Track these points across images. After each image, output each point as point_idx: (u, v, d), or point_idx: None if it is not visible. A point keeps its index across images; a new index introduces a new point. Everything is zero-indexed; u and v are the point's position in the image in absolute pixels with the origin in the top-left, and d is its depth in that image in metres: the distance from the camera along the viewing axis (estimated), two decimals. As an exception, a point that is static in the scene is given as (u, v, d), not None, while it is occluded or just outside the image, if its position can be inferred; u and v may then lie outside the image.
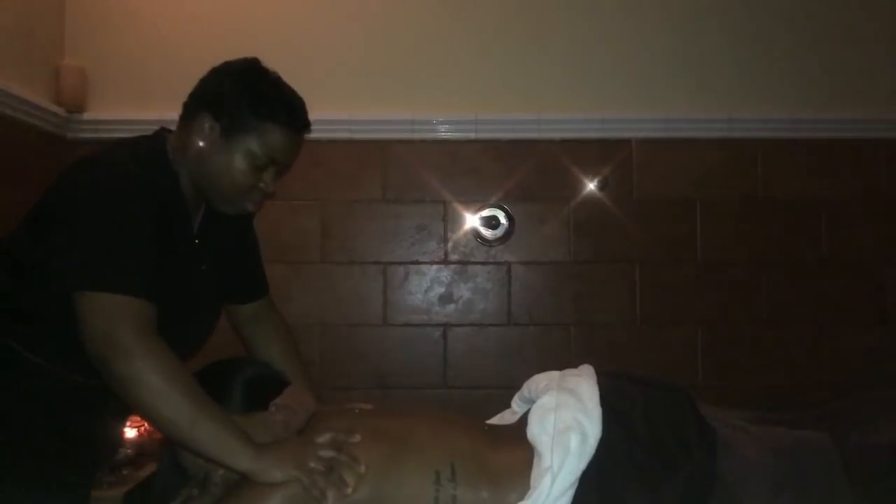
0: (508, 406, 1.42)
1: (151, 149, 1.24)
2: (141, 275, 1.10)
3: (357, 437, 1.15)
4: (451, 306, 2.12)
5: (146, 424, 2.00)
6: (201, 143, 1.22)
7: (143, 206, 1.13)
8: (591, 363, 1.31)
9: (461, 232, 2.13)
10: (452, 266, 2.13)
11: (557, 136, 2.11)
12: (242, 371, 1.29)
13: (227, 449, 1.08)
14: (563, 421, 1.12)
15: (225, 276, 1.36)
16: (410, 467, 1.12)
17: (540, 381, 1.31)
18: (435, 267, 2.13)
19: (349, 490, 1.08)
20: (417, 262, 2.13)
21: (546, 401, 1.18)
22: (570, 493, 1.07)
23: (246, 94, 1.22)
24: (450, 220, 2.12)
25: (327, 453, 1.12)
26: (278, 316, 1.53)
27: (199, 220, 1.31)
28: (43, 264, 1.14)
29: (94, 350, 1.07)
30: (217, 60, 1.28)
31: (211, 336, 1.35)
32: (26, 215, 1.21)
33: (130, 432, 1.95)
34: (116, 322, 1.06)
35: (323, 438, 1.15)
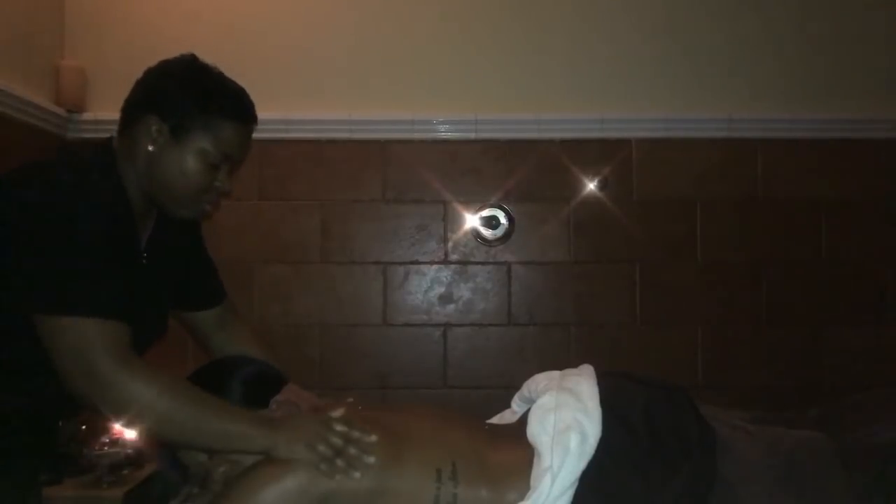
0: (508, 406, 1.42)
1: (99, 160, 1.19)
2: (106, 293, 1.06)
3: (373, 437, 1.16)
4: (451, 306, 2.12)
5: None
6: (150, 148, 1.17)
7: (99, 221, 1.09)
8: (591, 363, 1.31)
9: (461, 232, 2.13)
10: (452, 266, 2.13)
11: (557, 136, 2.11)
12: (241, 370, 1.29)
13: (239, 439, 1.09)
14: (563, 421, 1.12)
15: (177, 286, 1.34)
16: (413, 464, 1.12)
17: (540, 381, 1.31)
18: (435, 267, 2.13)
19: (357, 475, 1.09)
20: (417, 262, 2.13)
21: (546, 401, 1.18)
22: (569, 493, 1.07)
23: (191, 92, 1.18)
24: (450, 220, 2.12)
25: (341, 428, 1.12)
26: (242, 320, 1.51)
27: (147, 234, 1.26)
28: None
29: (73, 381, 1.04)
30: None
31: (156, 344, 1.32)
32: None
33: (130, 432, 1.95)
34: (89, 350, 1.02)
35: (336, 414, 1.16)
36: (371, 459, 1.11)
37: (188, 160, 1.18)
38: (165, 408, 1.05)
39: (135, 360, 1.06)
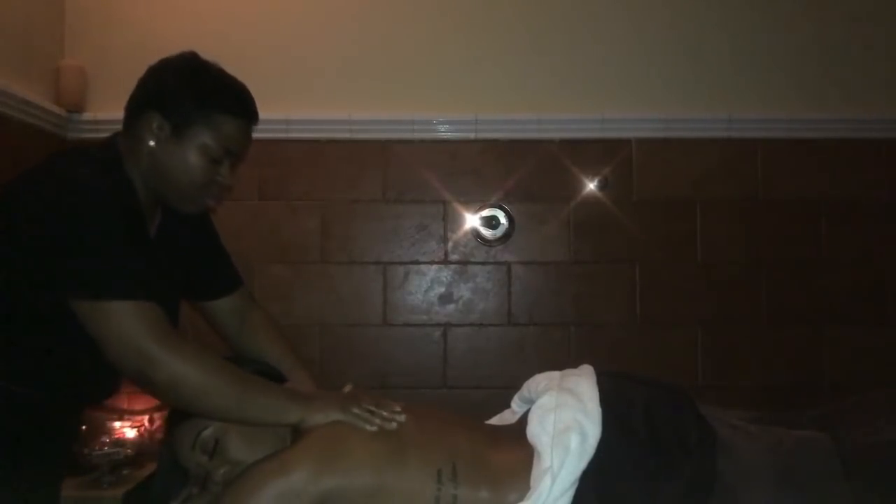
0: (508, 406, 1.42)
1: (105, 157, 1.21)
2: (141, 278, 1.11)
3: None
4: (451, 306, 2.12)
5: (146, 424, 2.01)
6: (152, 143, 1.20)
7: (114, 213, 1.12)
8: (591, 363, 1.31)
9: (461, 232, 2.13)
10: (452, 266, 2.13)
11: (557, 136, 2.11)
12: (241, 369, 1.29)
13: (279, 411, 1.15)
14: (563, 421, 1.12)
15: (188, 274, 1.36)
16: (413, 464, 1.12)
17: (540, 381, 1.31)
18: (435, 267, 2.13)
19: (394, 424, 1.15)
20: (417, 262, 2.13)
21: (546, 401, 1.18)
22: (569, 494, 1.07)
23: (192, 88, 1.20)
24: (450, 220, 2.12)
25: (368, 402, 1.18)
26: (261, 308, 1.52)
27: (156, 223, 1.29)
28: (8, 280, 1.12)
29: (121, 364, 1.09)
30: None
31: None
32: None
33: (130, 432, 1.95)
34: (135, 333, 1.07)
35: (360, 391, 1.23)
36: (402, 418, 1.17)
37: (190, 155, 1.20)
38: (211, 384, 1.11)
39: (177, 338, 1.12)
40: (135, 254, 1.13)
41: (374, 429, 1.14)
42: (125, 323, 1.08)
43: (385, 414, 1.16)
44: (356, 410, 1.16)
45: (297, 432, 1.19)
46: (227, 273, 1.49)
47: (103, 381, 1.27)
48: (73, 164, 1.17)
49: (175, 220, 1.31)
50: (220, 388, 1.11)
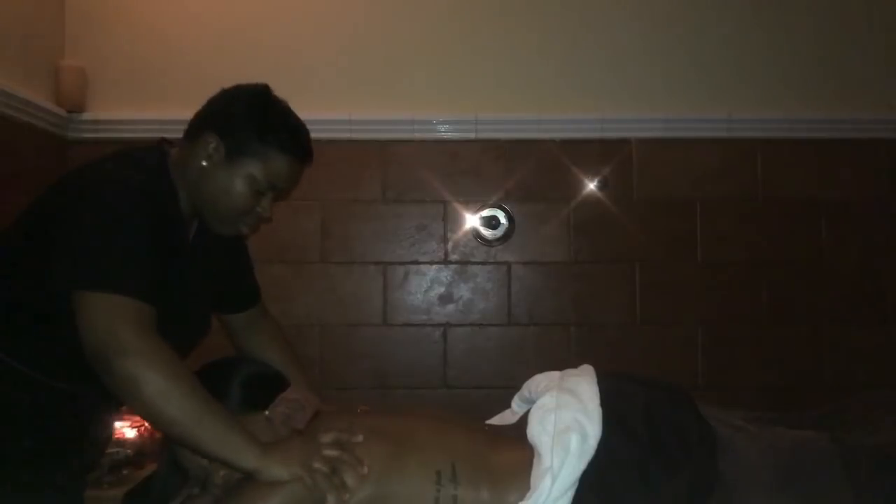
0: (508, 406, 1.42)
1: (153, 161, 1.24)
2: (142, 277, 1.10)
3: (360, 437, 1.15)
4: (451, 306, 2.12)
5: (146, 424, 2.00)
6: (204, 163, 1.22)
7: (145, 214, 1.14)
8: (591, 363, 1.31)
9: (461, 232, 2.13)
10: (452, 266, 2.13)
11: (557, 136, 2.11)
12: (242, 370, 1.29)
13: (232, 448, 1.08)
14: (563, 421, 1.12)
15: (216, 286, 1.37)
16: (412, 467, 1.12)
17: (540, 381, 1.31)
18: (435, 267, 2.13)
19: (347, 496, 1.08)
20: (417, 262, 2.13)
21: (546, 401, 1.18)
22: (570, 494, 1.07)
23: (255, 119, 1.23)
24: (450, 220, 2.12)
25: (331, 453, 1.12)
26: (272, 321, 1.54)
27: (193, 233, 1.31)
28: (36, 268, 1.14)
29: (93, 350, 1.07)
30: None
31: (200, 344, 1.34)
32: (18, 218, 1.21)
33: (130, 432, 1.95)
34: (117, 322, 1.06)
35: (327, 438, 1.15)
36: (364, 470, 1.10)
37: (236, 183, 1.22)
38: (175, 393, 1.06)
39: (157, 339, 1.08)
40: (145, 252, 1.12)
41: (332, 500, 1.07)
42: (105, 310, 1.06)
43: (342, 480, 1.10)
44: (317, 465, 1.09)
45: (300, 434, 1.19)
46: (252, 289, 1.51)
47: None
48: (122, 164, 1.20)
49: (213, 233, 1.33)
50: (181, 401, 1.05)
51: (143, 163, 1.22)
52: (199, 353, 1.32)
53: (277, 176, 1.24)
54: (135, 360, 1.05)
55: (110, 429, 1.44)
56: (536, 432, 1.14)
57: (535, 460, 1.11)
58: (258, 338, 1.49)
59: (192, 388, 1.08)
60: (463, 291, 2.13)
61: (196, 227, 1.32)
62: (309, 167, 1.31)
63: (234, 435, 1.09)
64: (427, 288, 2.13)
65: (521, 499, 1.08)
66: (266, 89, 1.28)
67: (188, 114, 1.29)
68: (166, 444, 1.27)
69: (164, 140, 1.30)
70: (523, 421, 1.22)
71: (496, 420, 1.42)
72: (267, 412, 1.23)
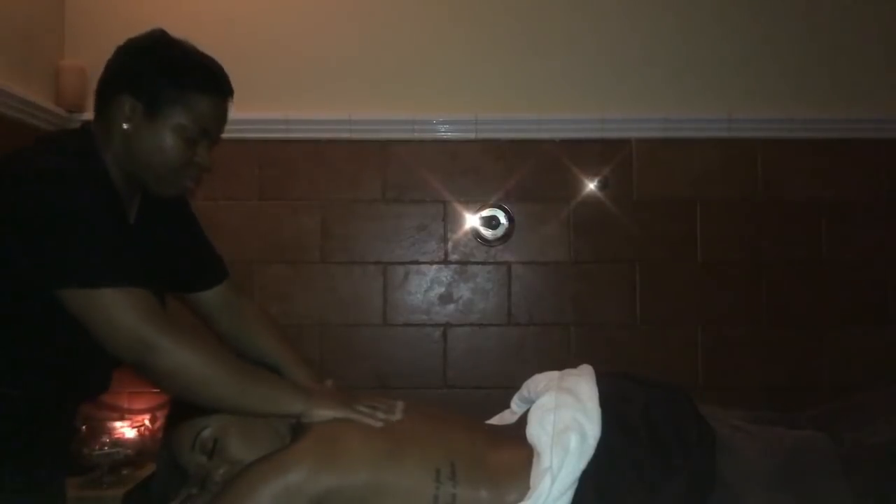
0: (508, 406, 1.42)
1: (76, 144, 1.18)
2: (130, 264, 1.09)
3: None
4: (451, 306, 2.12)
5: (146, 424, 2.01)
6: (125, 126, 1.16)
7: (93, 201, 1.09)
8: (590, 363, 1.31)
9: (461, 232, 2.13)
10: (452, 266, 2.13)
11: (557, 136, 2.11)
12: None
13: (280, 402, 1.15)
14: (563, 421, 1.12)
15: (169, 265, 1.32)
16: (411, 464, 1.11)
17: (539, 381, 1.31)
18: (435, 267, 2.13)
19: (399, 415, 1.18)
20: (417, 262, 2.13)
21: (545, 401, 1.18)
22: (569, 494, 1.07)
23: (163, 68, 1.16)
24: (450, 220, 2.12)
25: (367, 400, 1.20)
26: (252, 302, 1.49)
27: (134, 213, 1.26)
28: None
29: (126, 357, 1.08)
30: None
31: None
32: None
33: (130, 432, 1.95)
34: (133, 319, 1.06)
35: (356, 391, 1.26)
36: (400, 415, 1.19)
37: (165, 137, 1.16)
38: (213, 372, 1.10)
39: (176, 325, 1.10)
40: (119, 240, 1.11)
41: (379, 425, 1.15)
42: (119, 310, 1.06)
43: (384, 410, 1.18)
44: (360, 407, 1.17)
45: (297, 431, 1.19)
46: (210, 264, 1.44)
47: (92, 376, 1.25)
48: (42, 153, 1.13)
49: (155, 208, 1.28)
50: (221, 377, 1.11)
51: (66, 148, 1.16)
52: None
53: (205, 118, 1.18)
54: (167, 357, 1.07)
55: (70, 425, 1.37)
56: (536, 432, 1.14)
57: (534, 460, 1.11)
58: (241, 322, 1.43)
59: (226, 362, 1.13)
60: (463, 291, 2.13)
61: (138, 206, 1.26)
62: (231, 102, 1.24)
63: (277, 391, 1.17)
64: (427, 288, 2.13)
65: (521, 498, 1.08)
66: (163, 33, 1.21)
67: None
68: (166, 444, 1.27)
69: (87, 122, 1.23)
70: (523, 421, 1.22)
71: (496, 420, 1.42)
72: None
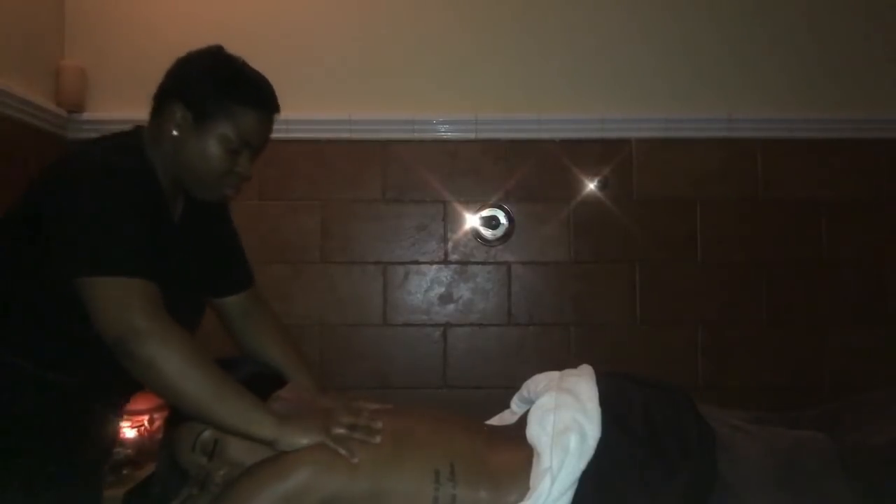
0: (508, 406, 1.42)
1: (127, 143, 1.26)
2: (142, 256, 1.13)
3: (373, 406, 1.23)
4: (451, 306, 2.12)
5: (146, 424, 2.00)
6: (175, 133, 1.23)
7: (130, 194, 1.15)
8: (590, 363, 1.31)
9: (461, 232, 2.13)
10: (452, 266, 2.13)
11: (557, 136, 2.11)
12: (240, 370, 1.28)
13: (251, 420, 1.12)
14: (563, 421, 1.12)
15: (205, 266, 1.37)
16: (410, 465, 1.12)
17: (539, 381, 1.31)
18: (435, 267, 2.13)
19: (377, 439, 1.13)
20: (417, 262, 2.13)
21: (545, 401, 1.18)
22: (569, 494, 1.07)
23: (214, 80, 1.24)
24: (450, 220, 2.12)
25: (347, 419, 1.17)
26: (270, 311, 1.52)
27: (178, 212, 1.32)
28: (31, 262, 1.15)
29: (109, 335, 1.09)
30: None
31: (196, 328, 1.34)
32: (6, 215, 1.22)
33: (130, 432, 1.95)
34: (128, 305, 1.09)
35: (339, 404, 1.21)
36: (377, 439, 1.14)
37: (209, 145, 1.23)
38: (192, 372, 1.10)
39: (169, 320, 1.11)
40: (140, 233, 1.14)
41: (355, 461, 1.10)
42: (116, 295, 1.09)
43: (363, 430, 1.15)
44: (338, 431, 1.14)
45: None
46: (241, 270, 1.50)
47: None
48: (95, 148, 1.23)
49: (199, 210, 1.34)
50: (198, 379, 1.10)
51: (118, 145, 1.24)
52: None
53: (248, 131, 1.24)
54: (151, 344, 1.08)
55: (115, 426, 1.43)
56: (536, 432, 1.14)
57: (534, 460, 1.11)
58: (256, 329, 1.47)
59: (208, 367, 1.12)
60: (463, 291, 2.13)
61: (182, 207, 1.32)
62: (277, 116, 1.31)
63: (252, 408, 1.14)
64: (427, 288, 2.13)
65: (521, 499, 1.08)
66: (219, 49, 1.29)
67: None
68: (166, 444, 1.27)
69: (140, 125, 1.30)
70: (523, 421, 1.22)
71: (496, 420, 1.42)
72: None
